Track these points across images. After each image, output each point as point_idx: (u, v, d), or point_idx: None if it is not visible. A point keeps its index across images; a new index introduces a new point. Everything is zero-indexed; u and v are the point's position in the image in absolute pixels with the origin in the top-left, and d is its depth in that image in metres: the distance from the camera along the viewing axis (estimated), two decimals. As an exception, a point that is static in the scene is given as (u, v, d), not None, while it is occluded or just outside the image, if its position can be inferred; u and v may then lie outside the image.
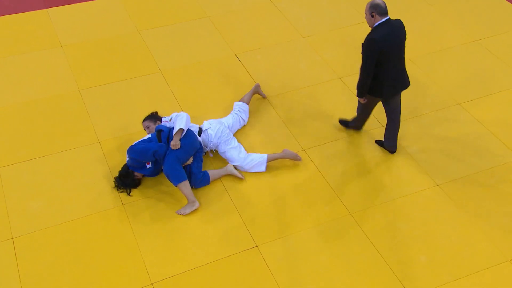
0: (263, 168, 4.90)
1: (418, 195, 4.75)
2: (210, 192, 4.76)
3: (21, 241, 4.34)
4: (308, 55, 6.21)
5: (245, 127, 5.33)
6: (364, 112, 5.04)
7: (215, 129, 4.97)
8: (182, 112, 4.73)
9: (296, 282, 4.12)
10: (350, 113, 5.40)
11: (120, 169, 4.82)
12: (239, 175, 4.81)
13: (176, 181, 4.53)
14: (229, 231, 4.46)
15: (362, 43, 4.43)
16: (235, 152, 4.93)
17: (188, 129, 4.75)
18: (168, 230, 4.46)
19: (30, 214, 4.54)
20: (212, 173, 4.80)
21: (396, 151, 5.08)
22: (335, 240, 4.40)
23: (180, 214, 4.54)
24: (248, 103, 5.41)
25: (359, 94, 4.66)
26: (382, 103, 4.81)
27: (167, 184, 4.80)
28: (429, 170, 4.94)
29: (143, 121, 5.00)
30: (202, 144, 4.91)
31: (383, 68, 4.46)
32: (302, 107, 5.58)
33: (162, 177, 4.86)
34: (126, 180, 4.74)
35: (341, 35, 6.54)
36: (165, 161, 4.59)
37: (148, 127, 4.95)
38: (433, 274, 4.18)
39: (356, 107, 5.07)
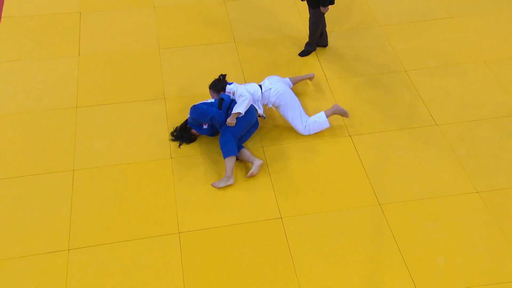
0: (327, 125, 5.18)
1: (455, 198, 4.68)
2: (252, 163, 5.04)
3: (80, 174, 4.92)
4: (380, 44, 6.19)
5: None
6: (319, 27, 5.91)
7: (275, 90, 5.13)
8: (246, 94, 4.91)
9: (309, 259, 4.31)
10: (410, 106, 5.40)
11: (178, 124, 5.27)
12: (255, 172, 4.89)
13: (225, 154, 4.86)
14: (260, 200, 4.72)
15: None
16: (299, 122, 5.15)
17: None
18: (204, 189, 4.81)
19: (93, 152, 5.11)
20: (246, 153, 4.96)
21: (443, 151, 5.04)
22: (358, 227, 4.51)
23: (214, 187, 4.83)
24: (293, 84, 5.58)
25: (326, 3, 5.57)
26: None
27: (216, 150, 5.13)
28: (472, 176, 4.83)
29: (209, 88, 5.25)
30: (261, 103, 5.15)
31: None
32: (361, 93, 5.63)
33: (216, 141, 5.21)
34: (184, 134, 5.16)
35: (419, 28, 6.42)
36: (221, 134, 4.95)
37: (212, 97, 5.25)
38: (447, 278, 4.16)
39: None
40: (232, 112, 4.89)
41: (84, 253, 4.36)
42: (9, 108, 5.44)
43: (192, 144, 5.18)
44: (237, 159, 4.97)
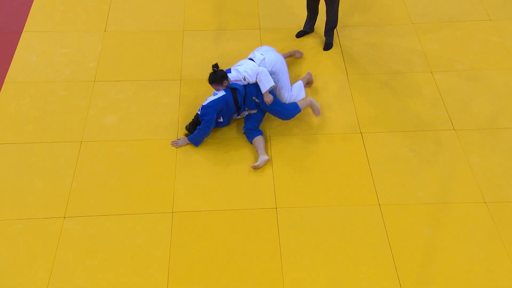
0: (303, 95, 5.22)
1: (460, 206, 4.45)
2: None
3: (87, 146, 5.00)
4: (409, 42, 5.95)
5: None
6: (316, 8, 5.93)
7: (269, 58, 5.08)
8: (260, 68, 4.87)
9: (297, 252, 4.22)
10: (430, 108, 5.18)
11: (188, 111, 5.24)
12: (260, 166, 4.84)
13: (250, 139, 4.94)
14: (258, 189, 4.66)
15: None
16: (286, 91, 5.16)
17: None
18: (205, 172, 4.79)
19: (103, 126, 5.18)
20: (259, 144, 4.92)
21: (456, 157, 4.79)
22: (352, 225, 4.37)
23: (255, 168, 4.78)
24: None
25: None
26: None
27: (221, 136, 5.11)
28: (482, 185, 4.58)
29: (210, 83, 4.95)
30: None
31: None
32: (380, 91, 5.44)
33: (224, 127, 5.21)
34: (195, 128, 5.10)
35: (454, 28, 6.12)
36: (245, 124, 5.00)
37: (216, 90, 5.03)
38: (436, 285, 3.97)
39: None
40: (264, 92, 4.86)
41: (78, 222, 4.44)
42: (30, 77, 5.60)
43: (198, 129, 5.19)
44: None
